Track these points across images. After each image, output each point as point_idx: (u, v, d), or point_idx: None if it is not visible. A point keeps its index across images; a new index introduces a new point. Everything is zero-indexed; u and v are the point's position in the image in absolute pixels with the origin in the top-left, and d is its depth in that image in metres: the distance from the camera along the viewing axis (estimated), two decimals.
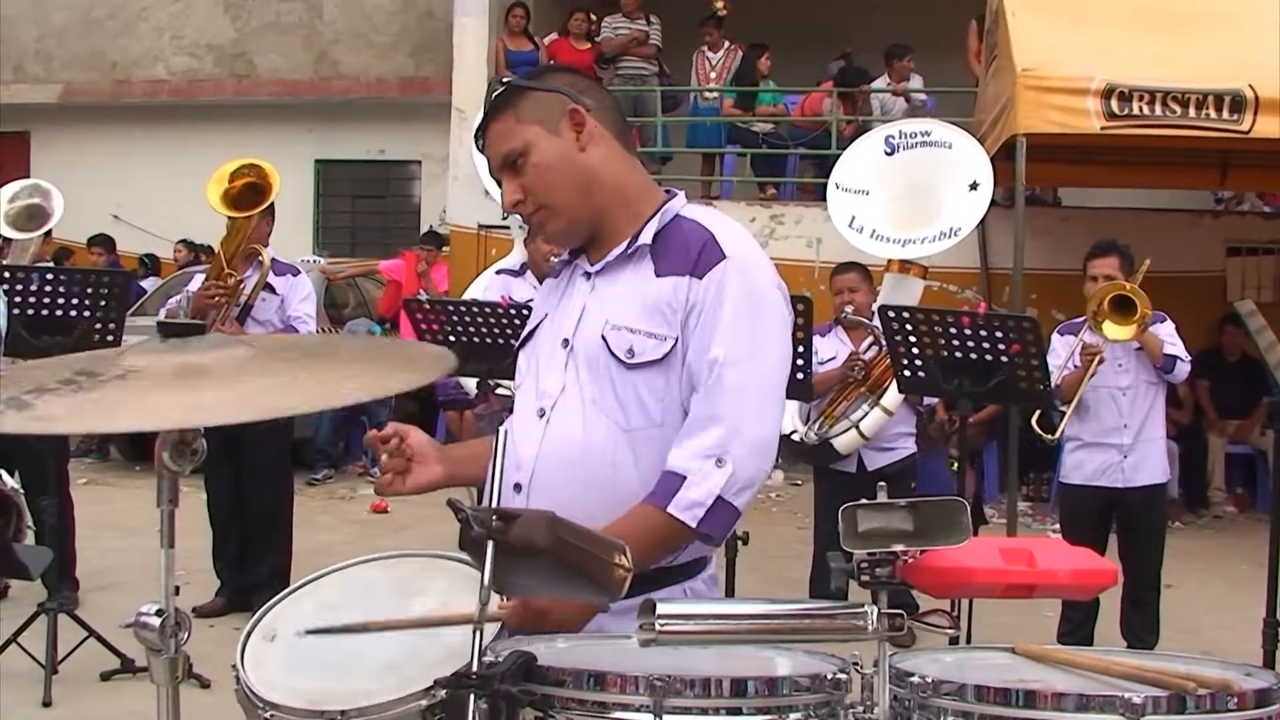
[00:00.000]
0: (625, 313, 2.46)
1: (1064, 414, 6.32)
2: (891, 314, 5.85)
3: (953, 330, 5.64)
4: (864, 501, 2.05)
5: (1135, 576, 6.17)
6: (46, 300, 6.24)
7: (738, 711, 1.95)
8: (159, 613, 2.12)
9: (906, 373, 5.89)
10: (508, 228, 10.06)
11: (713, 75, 14.06)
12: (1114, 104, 8.33)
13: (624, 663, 2.00)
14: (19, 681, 5.65)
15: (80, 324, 6.25)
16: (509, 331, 5.75)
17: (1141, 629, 6.22)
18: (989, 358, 5.60)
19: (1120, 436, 6.26)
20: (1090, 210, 12.41)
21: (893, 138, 7.65)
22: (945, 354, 5.68)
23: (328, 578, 2.53)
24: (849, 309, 6.95)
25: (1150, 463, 6.32)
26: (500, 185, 2.56)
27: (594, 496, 2.41)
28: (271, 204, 7.04)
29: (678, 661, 2.03)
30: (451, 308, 6.36)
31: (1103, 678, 2.11)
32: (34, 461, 6.23)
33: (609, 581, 1.98)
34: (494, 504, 1.98)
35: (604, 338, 2.46)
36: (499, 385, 6.30)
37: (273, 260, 7.06)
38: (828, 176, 8.06)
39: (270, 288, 7.04)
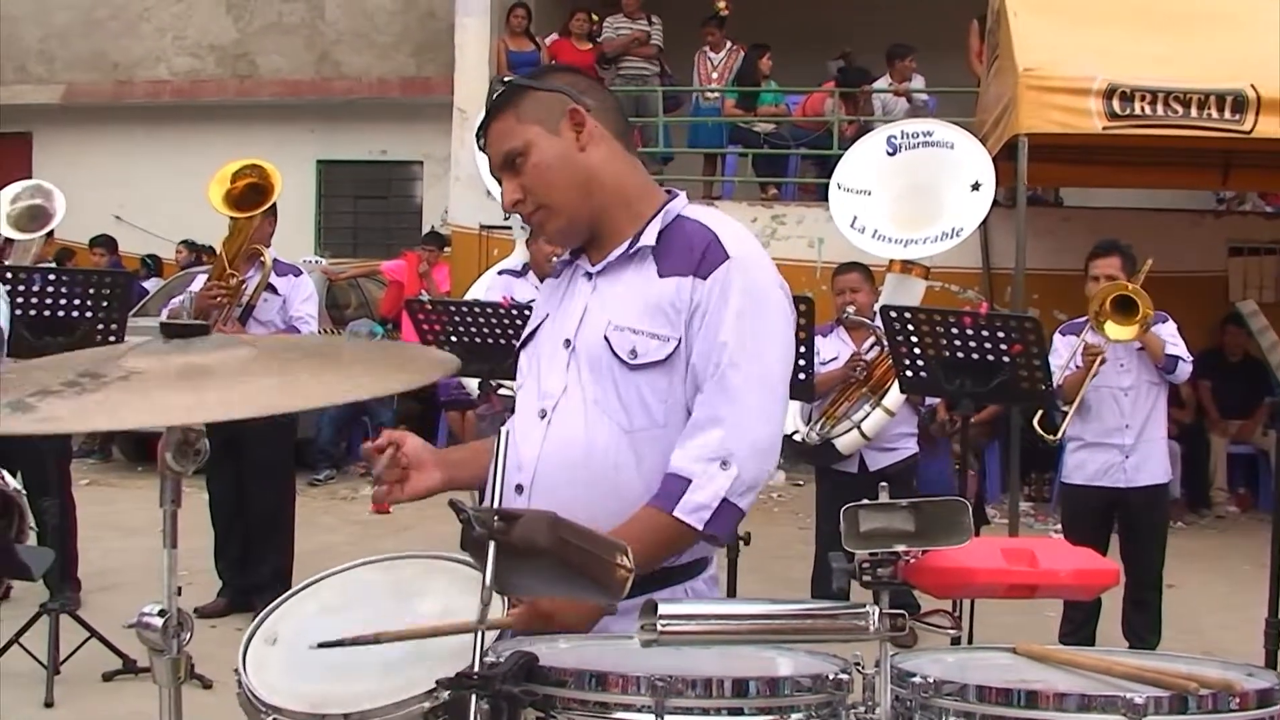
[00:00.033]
0: (628, 313, 2.46)
1: (1066, 414, 6.32)
2: (893, 314, 5.85)
3: (954, 330, 5.64)
4: (866, 502, 2.05)
5: (1137, 577, 6.17)
6: (48, 301, 6.24)
7: (739, 712, 1.95)
8: (161, 613, 2.12)
9: (908, 373, 5.89)
10: (509, 228, 10.07)
11: (715, 75, 14.06)
12: (1116, 104, 8.34)
13: (625, 663, 2.00)
14: (21, 682, 5.65)
15: (82, 325, 6.25)
16: (511, 332, 5.75)
17: (1143, 629, 6.22)
18: (991, 358, 5.60)
19: (1122, 437, 6.26)
20: (1092, 210, 12.40)
21: (895, 138, 7.66)
22: (947, 354, 5.68)
23: (328, 580, 2.52)
24: (851, 309, 6.95)
25: (1152, 463, 6.32)
26: (500, 184, 2.56)
27: (596, 497, 2.40)
28: (274, 204, 7.04)
29: (679, 662, 2.03)
30: (453, 308, 6.36)
31: (1105, 678, 2.10)
32: (36, 462, 6.23)
33: (611, 582, 1.98)
34: (495, 505, 1.98)
35: (607, 338, 2.45)
36: (501, 386, 6.30)
37: (274, 261, 7.06)
38: (829, 177, 8.06)
39: (272, 288, 7.04)
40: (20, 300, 6.18)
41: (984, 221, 8.12)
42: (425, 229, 15.42)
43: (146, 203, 17.05)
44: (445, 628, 2.15)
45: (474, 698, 1.90)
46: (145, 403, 1.95)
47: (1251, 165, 10.95)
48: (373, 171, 18.05)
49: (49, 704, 5.59)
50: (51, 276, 6.44)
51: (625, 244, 2.51)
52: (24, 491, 4.40)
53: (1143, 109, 8.33)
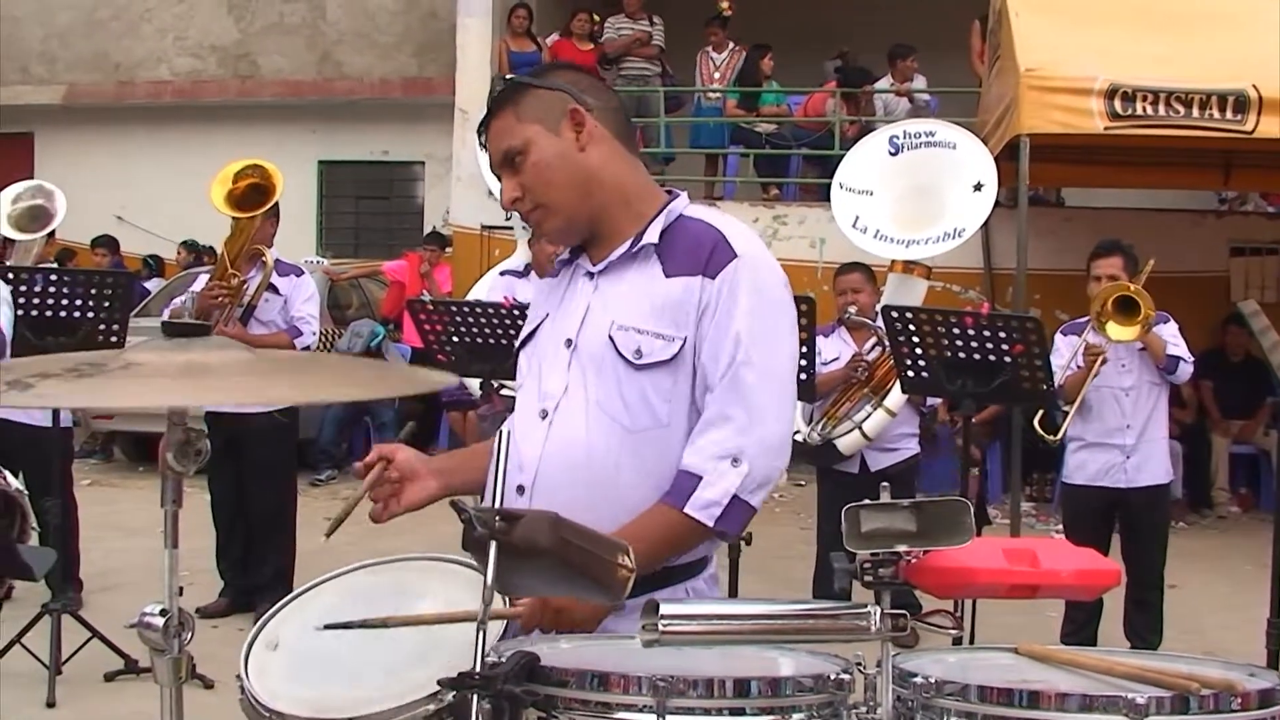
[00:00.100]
0: (632, 313, 2.46)
1: (1067, 414, 6.32)
2: (895, 314, 5.85)
3: (956, 331, 5.64)
4: (867, 502, 2.05)
5: (1138, 577, 6.16)
6: (50, 301, 6.25)
7: (741, 712, 1.95)
8: (162, 613, 2.12)
9: (910, 373, 5.90)
10: (511, 228, 10.06)
11: (717, 75, 14.07)
12: (1117, 104, 8.34)
13: (627, 663, 2.00)
14: (23, 682, 5.66)
15: (84, 325, 6.26)
16: (513, 332, 5.75)
17: (1145, 629, 6.22)
18: (992, 358, 5.60)
19: (1123, 437, 6.26)
20: (1093, 210, 12.40)
21: (897, 138, 7.66)
22: (949, 354, 5.68)
23: (329, 583, 2.52)
24: (852, 309, 6.96)
25: (1153, 463, 6.32)
26: (500, 182, 2.56)
27: (597, 498, 2.40)
28: (276, 205, 7.04)
29: (681, 662, 2.03)
30: (455, 308, 6.37)
31: (1106, 678, 2.10)
32: (38, 463, 6.24)
33: (612, 582, 1.98)
34: (496, 505, 1.98)
35: (611, 338, 2.45)
36: (503, 386, 6.30)
37: (276, 261, 7.06)
38: (830, 177, 8.06)
39: (273, 288, 7.04)
40: (22, 301, 6.19)
41: (985, 222, 8.12)
42: (427, 229, 15.41)
43: (148, 203, 17.05)
44: (454, 615, 2.15)
45: (475, 698, 1.90)
46: (141, 386, 1.96)
47: (1253, 165, 10.95)
48: (374, 172, 18.04)
49: (51, 704, 5.59)
50: (53, 277, 6.45)
51: (627, 243, 2.51)
52: (26, 492, 4.41)
53: (1144, 109, 8.33)
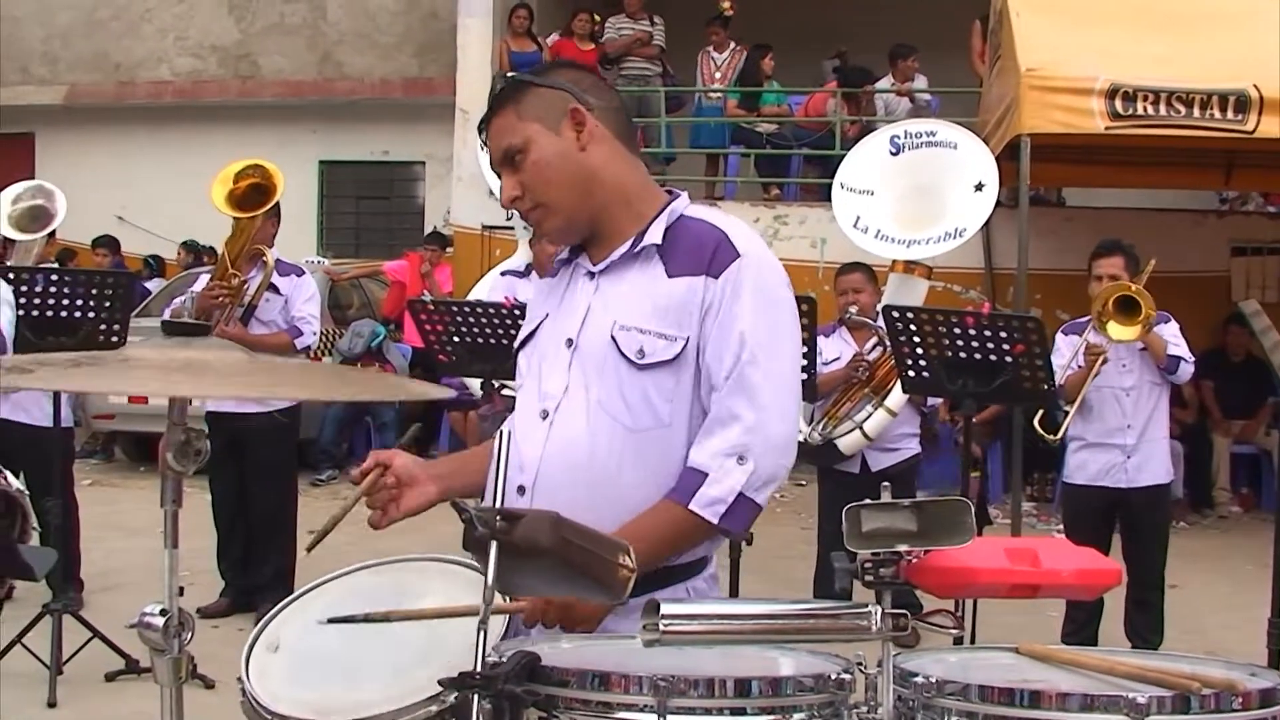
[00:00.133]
0: (634, 313, 2.46)
1: (1068, 414, 6.32)
2: (896, 314, 5.85)
3: (957, 330, 5.64)
4: (868, 502, 2.05)
5: (1139, 577, 6.16)
6: (51, 301, 6.25)
7: (742, 712, 1.95)
8: (163, 613, 2.12)
9: (911, 373, 5.89)
10: (512, 228, 10.06)
11: (718, 75, 14.07)
12: (1118, 104, 8.33)
13: (628, 663, 2.00)
14: (24, 682, 5.66)
15: (85, 325, 6.26)
16: (514, 332, 5.74)
17: (1146, 629, 6.22)
18: (993, 358, 5.60)
19: (1124, 437, 6.26)
20: (1094, 210, 12.40)
21: (898, 138, 7.65)
22: (950, 354, 5.68)
23: (329, 584, 2.52)
24: (853, 309, 6.95)
25: (1154, 463, 6.31)
26: (500, 180, 2.56)
27: (598, 498, 2.40)
28: (277, 205, 7.03)
29: (682, 662, 2.03)
30: (456, 308, 6.37)
31: (1107, 678, 2.10)
32: (39, 463, 6.24)
33: (613, 582, 1.98)
34: (497, 505, 1.98)
35: (614, 338, 2.45)
36: (504, 386, 6.30)
37: (277, 261, 7.06)
38: (831, 177, 8.06)
39: (274, 288, 7.03)
40: (23, 301, 6.19)
41: (986, 221, 8.12)
42: (427, 229, 15.42)
43: (149, 203, 17.05)
44: (457, 609, 2.15)
45: (476, 698, 1.89)
46: (137, 375, 1.96)
47: (1254, 165, 10.94)
48: (375, 172, 18.05)
49: (52, 704, 5.59)
50: (54, 277, 6.45)
51: (628, 243, 2.51)
52: (27, 492, 4.41)
53: (1145, 109, 8.32)
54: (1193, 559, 8.48)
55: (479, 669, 1.90)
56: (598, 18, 14.29)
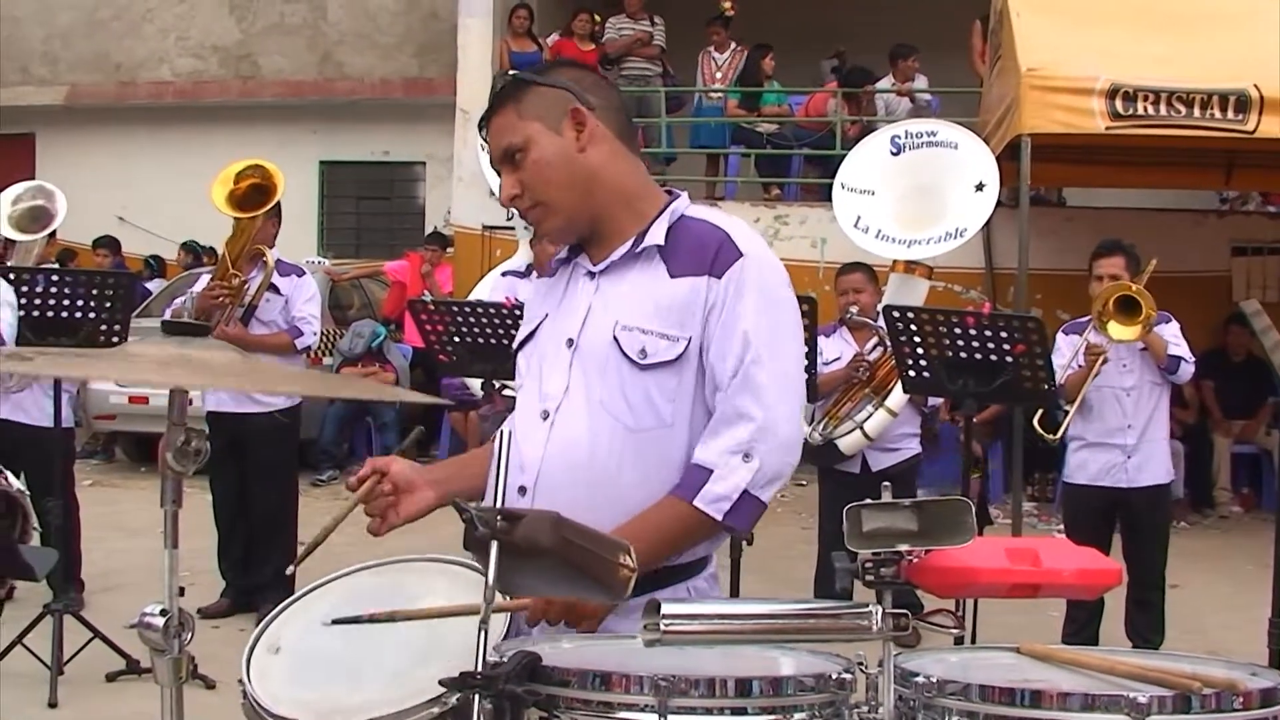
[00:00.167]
0: (636, 313, 2.46)
1: (1068, 413, 6.32)
2: (896, 314, 5.85)
3: (957, 330, 5.64)
4: (869, 501, 2.04)
5: (1139, 577, 6.17)
6: (52, 302, 6.26)
7: (742, 711, 1.95)
8: (163, 613, 2.12)
9: (911, 373, 5.89)
10: (513, 229, 10.06)
11: (719, 75, 14.06)
12: (1119, 104, 8.32)
13: (629, 663, 2.00)
14: (25, 682, 5.66)
15: (85, 325, 6.26)
16: (514, 333, 5.73)
17: (1146, 629, 6.22)
18: (994, 358, 5.60)
19: (1124, 437, 6.25)
20: (1095, 210, 12.39)
21: (899, 137, 7.65)
22: (950, 354, 5.68)
23: (330, 585, 2.52)
24: (854, 309, 6.96)
25: (1154, 463, 6.31)
26: (500, 178, 2.56)
27: (599, 498, 2.40)
28: (278, 205, 7.03)
29: (682, 661, 2.03)
30: (456, 308, 6.37)
31: (1108, 677, 2.10)
32: (40, 463, 6.25)
33: (614, 582, 1.98)
34: (498, 505, 1.98)
35: (616, 338, 2.45)
36: (504, 386, 6.30)
37: (277, 261, 7.06)
38: (832, 177, 8.06)
39: (275, 288, 7.03)
40: (23, 301, 6.20)
41: (987, 222, 8.11)
42: (428, 229, 15.42)
43: (149, 204, 17.05)
44: (461, 608, 2.15)
45: (477, 698, 1.89)
46: (132, 364, 1.97)
47: (1254, 165, 10.94)
48: (375, 172, 18.05)
49: (53, 704, 5.59)
50: (55, 277, 6.45)
51: (629, 242, 2.51)
52: (27, 492, 4.42)
53: (1145, 109, 8.32)
54: (1193, 559, 8.48)
55: (480, 669, 1.90)
56: (598, 18, 14.29)
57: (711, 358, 2.43)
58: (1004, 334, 5.57)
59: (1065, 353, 6.32)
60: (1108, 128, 8.40)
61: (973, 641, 5.23)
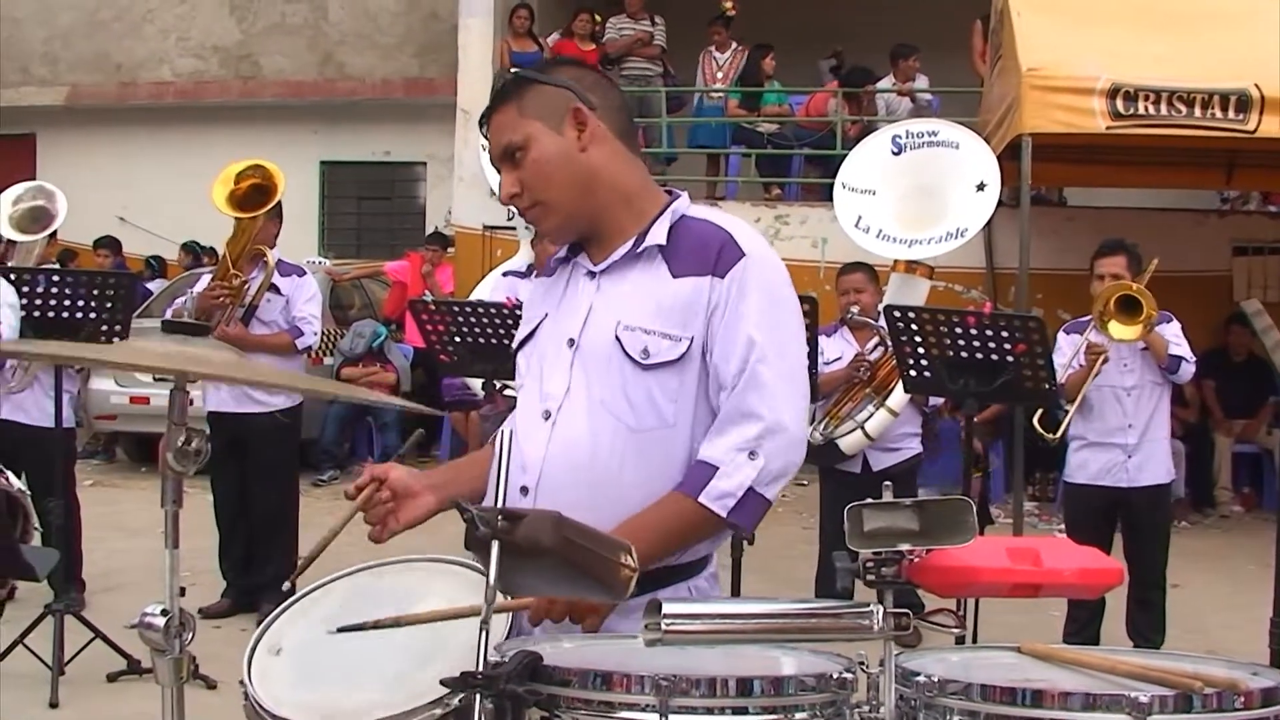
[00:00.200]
0: (638, 313, 2.46)
1: (1068, 413, 6.32)
2: (897, 314, 5.84)
3: (958, 330, 5.64)
4: (870, 501, 2.04)
5: (1140, 576, 6.17)
6: (53, 302, 6.26)
7: (743, 711, 1.95)
8: (164, 613, 2.12)
9: (912, 372, 5.89)
10: (513, 229, 10.06)
11: (720, 75, 14.06)
12: (1119, 104, 8.32)
13: (630, 662, 2.00)
14: (26, 683, 5.66)
15: (86, 325, 6.27)
16: (515, 333, 5.74)
17: (1147, 629, 6.22)
18: (995, 357, 5.60)
19: (1125, 436, 6.25)
20: (1095, 210, 12.39)
21: (900, 137, 7.65)
22: (951, 354, 5.67)
23: (331, 586, 2.52)
24: (855, 309, 6.95)
25: (1154, 463, 6.31)
26: (500, 174, 2.56)
27: (601, 498, 2.40)
28: (279, 205, 7.03)
29: (683, 661, 2.03)
30: (457, 308, 6.37)
31: (1109, 677, 2.10)
32: (41, 463, 6.26)
33: (615, 581, 1.97)
34: (499, 505, 1.98)
35: (618, 338, 2.45)
36: (505, 386, 6.30)
37: (278, 261, 7.06)
38: (832, 177, 8.05)
39: (275, 288, 7.03)
40: (24, 301, 6.21)
41: (988, 221, 8.11)
42: (429, 230, 15.41)
43: (150, 204, 17.05)
44: (466, 610, 2.14)
45: (478, 697, 1.89)
46: (129, 351, 1.98)
47: (1255, 165, 10.93)
48: (376, 172, 18.04)
49: (54, 704, 5.59)
50: (55, 277, 6.46)
51: (630, 242, 2.51)
52: (28, 492, 4.43)
53: (1146, 109, 8.31)
54: (1194, 558, 8.47)
55: (481, 669, 1.90)
56: (599, 18, 14.28)
57: (715, 357, 2.43)
58: (1005, 333, 5.57)
59: (1066, 352, 6.32)
60: (1108, 127, 8.40)
61: (974, 641, 5.23)
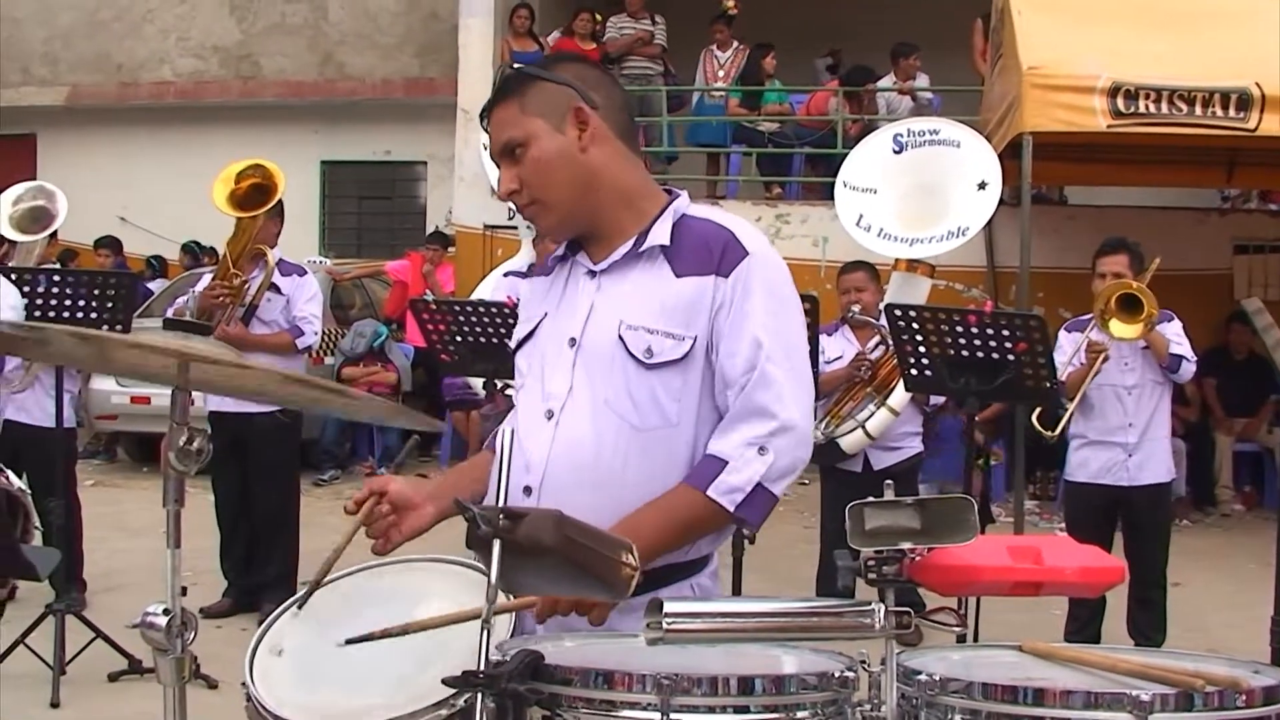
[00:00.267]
0: (641, 313, 2.46)
1: (1067, 411, 6.32)
2: (898, 313, 5.84)
3: (959, 329, 5.63)
4: (871, 500, 2.04)
5: (1141, 575, 6.17)
6: (53, 302, 6.26)
7: (745, 710, 1.95)
8: (165, 613, 2.12)
9: (913, 371, 5.89)
10: (514, 228, 10.07)
11: (721, 74, 14.06)
12: (1120, 102, 8.32)
13: (631, 661, 2.00)
14: (27, 683, 5.66)
15: (87, 325, 6.26)
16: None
17: (1148, 627, 6.22)
18: (996, 356, 5.59)
19: (1125, 435, 6.25)
20: (1096, 209, 12.39)
21: (901, 136, 7.65)
22: (952, 352, 5.67)
23: (332, 586, 2.51)
24: (856, 308, 6.95)
25: (1155, 462, 6.31)
26: (499, 169, 2.56)
27: (604, 498, 2.40)
28: (280, 204, 7.03)
29: (685, 660, 2.03)
30: (458, 308, 6.37)
31: (1110, 675, 2.10)
32: (42, 463, 6.26)
33: (616, 580, 1.97)
34: (501, 504, 1.98)
35: (621, 338, 2.45)
36: (506, 385, 6.30)
37: (278, 260, 7.06)
38: (833, 176, 8.05)
39: (276, 288, 7.03)
40: (25, 301, 6.21)
41: (989, 220, 8.11)
42: (429, 229, 15.41)
43: (150, 204, 17.05)
44: (471, 614, 2.14)
45: (480, 696, 1.89)
46: (137, 340, 1.99)
47: (1256, 163, 10.93)
48: (377, 172, 18.03)
49: (55, 704, 5.59)
50: (56, 277, 6.46)
51: (630, 242, 2.50)
52: (29, 492, 4.42)
53: (1147, 107, 8.31)
54: (1195, 557, 8.47)
55: (483, 668, 1.90)
56: (599, 17, 14.28)
57: (721, 356, 2.43)
58: (1006, 332, 5.56)
59: (1067, 350, 6.33)
60: (1109, 126, 8.40)
61: (975, 639, 5.23)
